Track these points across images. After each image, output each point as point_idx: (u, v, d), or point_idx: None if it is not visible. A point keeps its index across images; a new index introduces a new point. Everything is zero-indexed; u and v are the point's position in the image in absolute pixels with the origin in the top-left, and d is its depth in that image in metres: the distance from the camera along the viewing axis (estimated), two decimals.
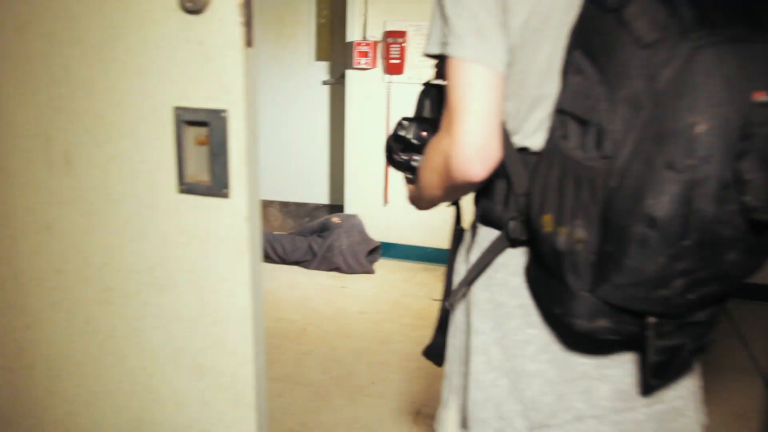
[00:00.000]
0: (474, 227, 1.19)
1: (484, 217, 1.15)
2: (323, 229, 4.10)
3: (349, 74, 4.06)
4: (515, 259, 1.09)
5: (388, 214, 4.22)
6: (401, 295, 3.73)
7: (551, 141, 0.95)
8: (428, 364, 2.92)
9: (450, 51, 1.02)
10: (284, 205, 4.66)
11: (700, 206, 0.79)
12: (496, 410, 1.12)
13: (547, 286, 1.00)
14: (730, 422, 2.66)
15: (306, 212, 4.63)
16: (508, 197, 1.06)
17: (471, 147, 0.99)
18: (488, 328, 1.12)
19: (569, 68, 0.92)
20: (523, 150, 1.05)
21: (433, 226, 4.12)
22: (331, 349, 3.09)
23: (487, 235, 1.13)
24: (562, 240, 0.90)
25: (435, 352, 1.38)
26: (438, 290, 3.79)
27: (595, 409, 1.11)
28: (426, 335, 3.13)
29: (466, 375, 1.17)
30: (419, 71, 3.93)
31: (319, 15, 4.28)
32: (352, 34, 3.97)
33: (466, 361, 1.16)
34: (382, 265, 4.19)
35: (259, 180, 1.12)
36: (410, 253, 4.23)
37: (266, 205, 4.68)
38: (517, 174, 1.05)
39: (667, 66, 0.79)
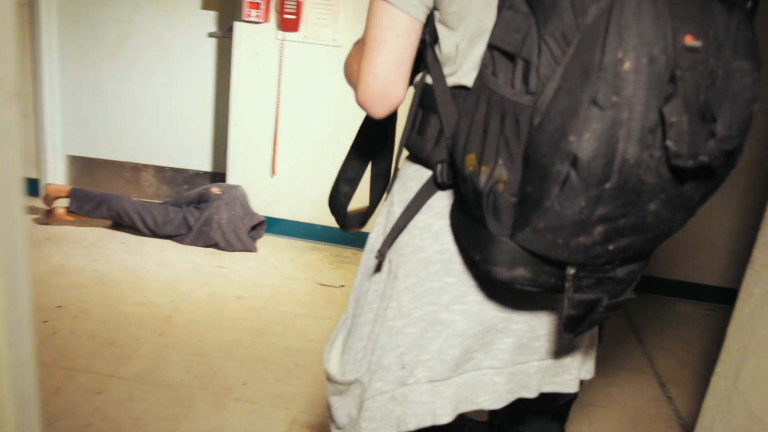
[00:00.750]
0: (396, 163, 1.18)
1: (412, 154, 1.12)
2: (201, 200, 3.66)
3: (238, 27, 3.61)
4: (441, 201, 1.08)
5: (276, 186, 3.83)
6: (285, 277, 3.37)
7: (480, 77, 0.92)
8: (307, 362, 2.57)
9: None
10: (159, 170, 4.16)
11: (622, 147, 0.78)
12: (399, 359, 1.11)
13: (469, 231, 0.98)
14: (626, 429, 2.49)
15: (184, 179, 4.15)
16: (440, 136, 1.05)
17: (373, 90, 1.03)
18: (403, 273, 1.09)
19: (503, 3, 0.89)
20: (461, 88, 1.03)
21: (324, 202, 3.77)
22: (199, 342, 2.69)
23: (415, 174, 1.11)
24: (483, 179, 0.89)
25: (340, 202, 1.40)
26: (325, 274, 3.46)
27: (494, 361, 1.13)
28: (309, 325, 2.78)
29: (375, 320, 1.13)
30: (316, 30, 3.53)
31: None
32: None
33: (379, 307, 1.13)
34: (267, 242, 3.80)
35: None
36: (298, 231, 3.87)
37: (139, 169, 4.17)
38: (448, 115, 1.04)
39: (596, 1, 0.77)
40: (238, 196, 3.65)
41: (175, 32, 3.90)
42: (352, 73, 1.12)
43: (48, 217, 3.69)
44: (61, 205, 3.70)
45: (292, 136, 3.71)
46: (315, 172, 3.73)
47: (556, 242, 0.86)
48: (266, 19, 3.53)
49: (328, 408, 1.24)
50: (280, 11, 3.48)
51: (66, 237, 3.59)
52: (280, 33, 3.56)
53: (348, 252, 3.76)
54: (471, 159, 0.90)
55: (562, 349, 1.16)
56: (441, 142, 1.05)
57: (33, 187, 4.14)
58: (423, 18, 1.02)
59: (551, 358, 1.16)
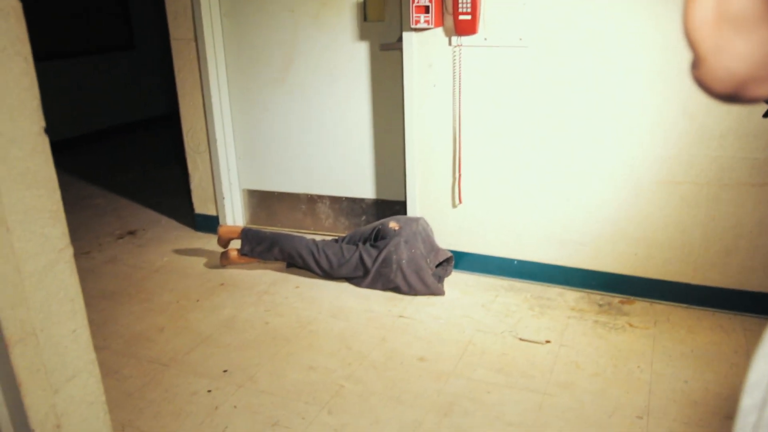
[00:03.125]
0: None
1: None
2: (378, 237, 3.22)
3: (407, 37, 3.12)
4: None
5: (462, 216, 3.28)
6: (477, 330, 2.81)
7: None
8: None
9: None
10: (335, 201, 3.80)
11: None
12: None
13: None
14: None
15: (362, 209, 3.75)
16: None
17: (719, 88, 0.64)
18: None
19: None
20: None
21: (521, 232, 3.16)
22: (373, 424, 2.23)
23: None
24: None
25: None
26: (526, 324, 2.85)
27: None
28: (506, 400, 2.07)
29: None
30: (498, 30, 2.93)
31: None
32: None
33: None
34: (455, 281, 3.27)
35: None
36: (490, 266, 3.29)
37: (315, 200, 3.84)
38: None
39: None
40: (419, 231, 3.16)
41: (341, 49, 3.51)
42: (693, 25, 0.65)
43: (223, 259, 3.47)
44: (235, 247, 3.46)
45: (478, 158, 3.14)
46: (507, 198, 3.13)
47: None
48: (438, 23, 3.00)
49: None
50: (454, 12, 2.93)
51: (240, 282, 3.33)
52: (455, 38, 3.01)
53: (552, 292, 3.11)
54: None
55: None
56: None
57: (212, 224, 3.98)
58: None
59: None
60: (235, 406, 2.35)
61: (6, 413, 1.05)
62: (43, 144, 0.99)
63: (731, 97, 0.64)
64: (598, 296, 3.06)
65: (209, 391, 2.45)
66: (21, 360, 1.00)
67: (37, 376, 1.05)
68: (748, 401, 0.68)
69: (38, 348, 1.04)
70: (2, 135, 0.93)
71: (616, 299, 3.02)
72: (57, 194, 1.02)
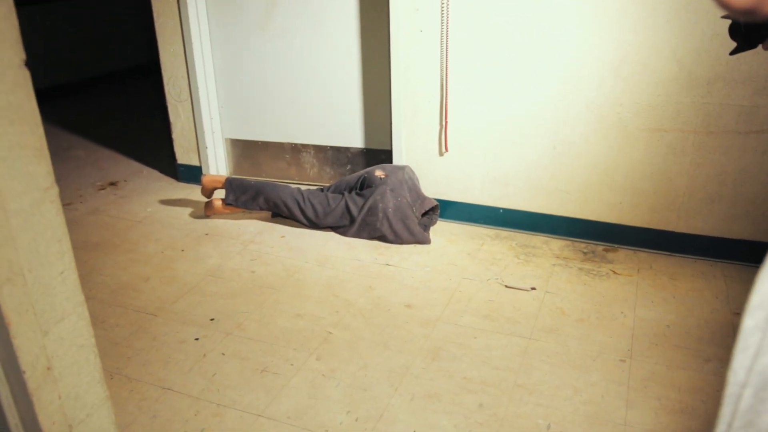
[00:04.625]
0: None
1: None
2: (364, 185, 3.20)
3: None
4: None
5: (448, 164, 3.26)
6: (463, 278, 2.82)
7: None
8: (493, 400, 2.00)
9: None
10: (320, 150, 3.76)
11: None
12: None
13: None
14: None
15: (347, 158, 3.72)
16: None
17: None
18: None
19: None
20: None
21: (506, 180, 3.15)
22: (362, 369, 2.25)
23: None
24: None
25: None
26: (512, 271, 2.87)
27: None
28: (493, 345, 2.16)
29: None
30: None
31: None
32: None
33: None
34: (441, 230, 3.27)
35: None
36: (476, 215, 3.29)
37: (299, 149, 3.80)
38: None
39: None
40: (405, 180, 3.15)
41: None
42: None
43: (207, 209, 3.44)
44: (219, 197, 3.43)
45: (465, 106, 3.11)
46: (494, 147, 3.12)
47: None
48: None
49: None
50: None
51: (225, 232, 3.32)
52: None
53: (537, 240, 3.13)
54: None
55: None
56: None
57: (195, 174, 3.94)
58: None
59: None
60: (223, 354, 2.36)
61: None
62: (25, 77, 0.95)
63: (750, 11, 0.62)
64: (582, 244, 3.08)
65: (197, 339, 2.45)
66: (9, 300, 0.99)
67: (26, 318, 1.03)
68: (751, 322, 0.68)
69: (26, 289, 1.02)
70: None
71: (600, 247, 3.05)
72: (40, 130, 0.99)
